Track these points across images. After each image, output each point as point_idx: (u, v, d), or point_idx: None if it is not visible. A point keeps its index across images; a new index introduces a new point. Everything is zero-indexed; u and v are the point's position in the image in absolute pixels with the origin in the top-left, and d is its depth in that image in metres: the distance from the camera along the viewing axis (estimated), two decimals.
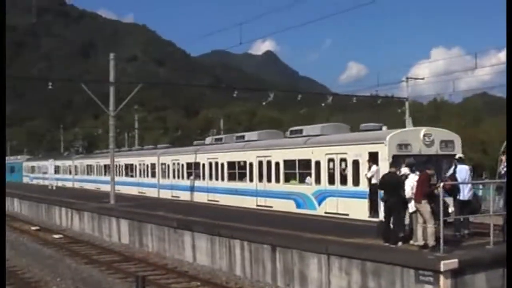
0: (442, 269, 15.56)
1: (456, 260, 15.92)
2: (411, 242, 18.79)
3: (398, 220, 19.27)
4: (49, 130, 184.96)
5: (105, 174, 60.65)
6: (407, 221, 19.56)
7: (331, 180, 30.78)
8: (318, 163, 31.61)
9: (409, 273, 16.25)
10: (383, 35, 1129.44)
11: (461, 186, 19.53)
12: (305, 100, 71.31)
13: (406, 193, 18.93)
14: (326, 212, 30.52)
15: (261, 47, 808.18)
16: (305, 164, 32.60)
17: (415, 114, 70.78)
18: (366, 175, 27.86)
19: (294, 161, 33.70)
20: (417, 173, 19.20)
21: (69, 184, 72.69)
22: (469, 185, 19.81)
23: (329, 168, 30.92)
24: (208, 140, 48.69)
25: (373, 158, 27.86)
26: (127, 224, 32.35)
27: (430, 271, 15.78)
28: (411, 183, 18.81)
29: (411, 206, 18.87)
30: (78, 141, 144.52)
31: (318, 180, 31.61)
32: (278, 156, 34.97)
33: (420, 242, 17.92)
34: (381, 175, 24.15)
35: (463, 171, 20.21)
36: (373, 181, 27.14)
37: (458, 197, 19.77)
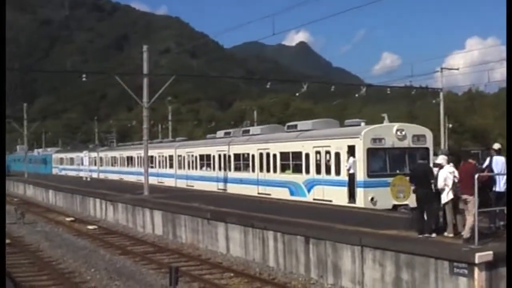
0: (476, 261, 15.34)
1: (491, 252, 15.71)
2: (445, 233, 18.65)
3: (431, 211, 19.11)
4: (83, 123, 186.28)
5: (127, 166, 66.94)
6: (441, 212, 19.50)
7: (318, 170, 34.28)
8: (307, 155, 35.12)
9: (443, 265, 16.09)
10: (418, 25, 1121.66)
11: (496, 177, 19.37)
12: (338, 91, 71.19)
13: (439, 184, 18.77)
14: (314, 199, 34.06)
15: (294, 38, 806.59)
16: (297, 156, 36.15)
17: (450, 105, 70.16)
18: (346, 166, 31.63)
19: (288, 153, 37.31)
20: (451, 164, 19.02)
21: (94, 175, 74.56)
22: (505, 177, 19.61)
23: (316, 160, 34.43)
24: (218, 134, 51.62)
25: (351, 151, 31.51)
26: (160, 215, 32.46)
27: (465, 263, 15.57)
28: (444, 174, 18.63)
29: (444, 197, 18.71)
30: (112, 133, 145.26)
31: (307, 170, 35.09)
32: (275, 148, 38.62)
33: (467, 234, 17.58)
34: (357, 166, 30.94)
35: (499, 163, 20.00)
36: (351, 171, 31.28)
37: (494, 188, 19.55)
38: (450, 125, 78.19)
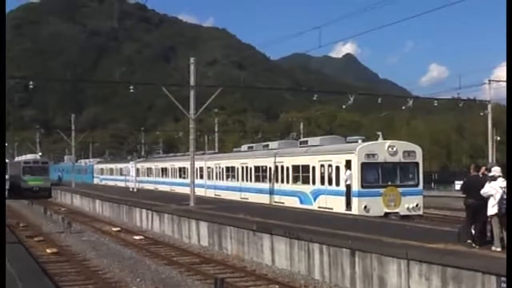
0: None
1: None
2: (493, 248, 18.43)
3: (483, 224, 18.97)
4: (131, 133, 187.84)
5: (162, 176, 72.52)
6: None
7: (322, 182, 38.55)
8: (314, 168, 39.40)
9: (490, 280, 15.84)
10: (466, 35, 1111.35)
11: None
12: (385, 103, 70.75)
13: (482, 192, 18.60)
14: (319, 207, 38.20)
15: (341, 50, 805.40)
16: (306, 168, 40.39)
17: (498, 117, 69.35)
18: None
19: (298, 166, 41.59)
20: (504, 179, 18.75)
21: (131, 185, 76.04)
22: None
23: (321, 172, 38.67)
24: (243, 147, 56.82)
25: (348, 164, 35.83)
26: (206, 226, 32.53)
27: None
28: (494, 186, 18.42)
29: (489, 209, 18.51)
30: (159, 144, 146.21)
31: (314, 182, 39.36)
32: (288, 162, 42.87)
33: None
34: (353, 178, 35.38)
35: None
36: (348, 182, 35.74)
37: None
38: (498, 138, 77.29)
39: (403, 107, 64.19)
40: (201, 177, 58.04)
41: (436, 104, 57.05)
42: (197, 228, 33.59)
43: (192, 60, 41.46)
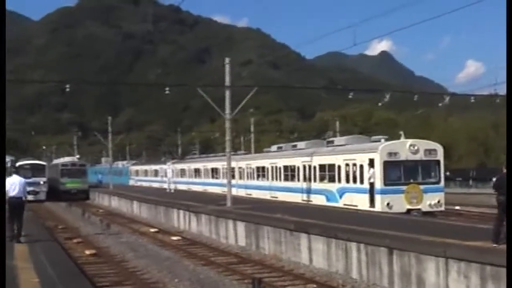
0: None
1: None
2: None
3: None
4: (167, 135, 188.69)
5: (194, 177, 74.15)
6: None
7: (347, 180, 39.69)
8: (339, 167, 40.47)
9: None
10: (503, 31, 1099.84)
11: None
12: (421, 100, 70.31)
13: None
14: (344, 204, 39.40)
15: (377, 47, 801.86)
16: (332, 167, 41.48)
17: None
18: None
19: (325, 165, 42.56)
20: None
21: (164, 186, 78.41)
22: None
23: (346, 171, 39.78)
24: (273, 148, 57.53)
25: (371, 163, 36.96)
26: (243, 226, 32.55)
27: None
28: None
29: None
30: (195, 145, 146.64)
31: (339, 180, 40.46)
32: (316, 161, 43.80)
33: None
34: (376, 176, 36.52)
35: None
36: (371, 180, 36.85)
37: None
38: None
39: (440, 104, 63.67)
40: (233, 177, 57.53)
41: (473, 101, 56.43)
42: (235, 228, 33.62)
43: (227, 60, 41.47)
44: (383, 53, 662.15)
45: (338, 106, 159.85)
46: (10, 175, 27.46)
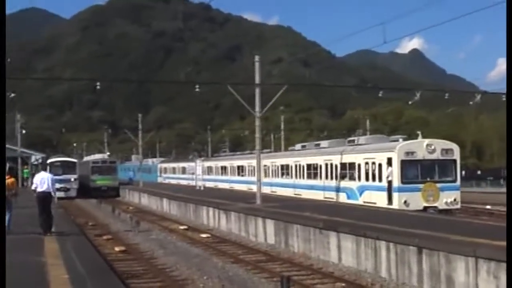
0: None
1: None
2: None
3: None
4: (197, 132, 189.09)
5: (221, 174, 76.54)
6: None
7: (367, 178, 41.02)
8: (359, 165, 41.97)
9: None
10: None
11: None
12: (452, 99, 69.93)
13: None
14: (364, 201, 40.63)
15: (408, 45, 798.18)
16: (352, 166, 43.04)
17: None
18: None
19: (346, 164, 44.07)
20: None
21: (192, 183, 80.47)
22: None
23: (366, 169, 41.20)
24: (297, 146, 59.19)
25: (389, 162, 38.39)
26: (273, 224, 32.54)
27: None
28: None
29: None
30: (225, 143, 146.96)
31: (359, 178, 41.93)
32: (337, 160, 45.26)
33: None
34: (394, 174, 37.82)
35: None
36: (389, 178, 38.19)
37: None
38: None
39: (471, 103, 63.13)
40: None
41: (504, 99, 55.91)
42: (264, 226, 33.63)
43: (257, 58, 41.44)
44: (414, 51, 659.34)
45: (369, 105, 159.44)
46: (42, 171, 29.05)
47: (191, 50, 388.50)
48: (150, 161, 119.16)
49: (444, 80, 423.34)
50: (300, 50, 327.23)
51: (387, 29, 40.58)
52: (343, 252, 25.40)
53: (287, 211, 34.47)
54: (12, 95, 55.74)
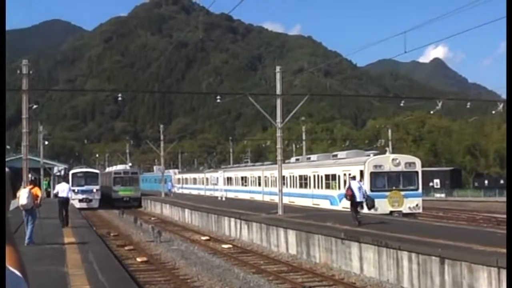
0: None
1: None
2: None
3: None
4: (219, 143, 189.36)
5: (241, 185, 78.11)
6: None
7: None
8: (339, 176, 47.69)
9: None
10: None
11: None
12: (475, 107, 69.68)
13: None
14: (343, 207, 43.68)
15: (430, 54, 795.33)
16: (334, 177, 48.99)
17: None
18: None
19: (329, 175, 50.06)
20: None
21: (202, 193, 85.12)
22: None
23: (344, 180, 45.35)
24: (292, 159, 66.61)
25: (361, 173, 43.54)
26: (294, 234, 32.50)
27: None
28: None
29: None
30: (247, 154, 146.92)
31: (339, 187, 46.94)
32: (322, 171, 51.53)
33: None
34: (364, 183, 40.00)
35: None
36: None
37: None
38: None
39: (493, 112, 62.77)
40: (259, 184, 68.34)
41: None
42: (285, 236, 33.59)
43: (278, 69, 41.45)
44: (436, 60, 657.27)
45: (391, 114, 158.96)
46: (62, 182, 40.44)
47: (212, 60, 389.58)
48: (171, 172, 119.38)
49: (466, 89, 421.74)
50: (322, 60, 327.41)
51: (408, 38, 40.41)
52: (364, 262, 25.32)
53: (308, 221, 34.40)
54: (35, 106, 56.03)
